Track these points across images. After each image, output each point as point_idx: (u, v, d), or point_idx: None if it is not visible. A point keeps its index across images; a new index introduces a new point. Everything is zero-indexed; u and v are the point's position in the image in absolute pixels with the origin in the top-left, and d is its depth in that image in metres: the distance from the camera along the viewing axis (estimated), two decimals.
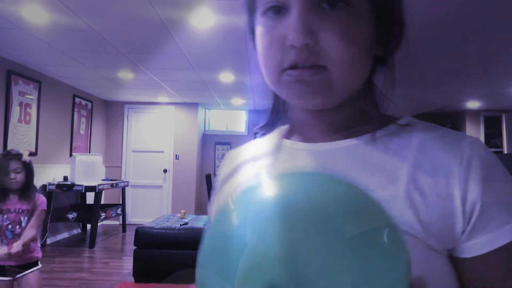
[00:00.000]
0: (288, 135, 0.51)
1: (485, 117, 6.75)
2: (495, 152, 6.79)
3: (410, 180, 0.40)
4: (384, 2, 0.43)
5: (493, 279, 0.40)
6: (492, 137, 6.73)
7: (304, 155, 0.46)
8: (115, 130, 6.78)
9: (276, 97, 0.52)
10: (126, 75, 4.75)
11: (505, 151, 5.98)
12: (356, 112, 0.48)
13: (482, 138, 6.78)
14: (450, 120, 7.12)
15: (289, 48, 0.40)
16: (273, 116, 0.54)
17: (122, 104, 6.79)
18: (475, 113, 6.79)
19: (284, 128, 0.53)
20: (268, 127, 0.54)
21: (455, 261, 0.41)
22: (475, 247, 0.39)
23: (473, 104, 6.26)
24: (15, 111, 4.29)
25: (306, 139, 0.48)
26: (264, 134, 0.54)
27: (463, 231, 0.39)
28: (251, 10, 0.47)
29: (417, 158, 0.41)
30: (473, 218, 0.38)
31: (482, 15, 2.37)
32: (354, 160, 0.43)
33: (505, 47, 3.04)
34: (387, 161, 0.42)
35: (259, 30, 0.44)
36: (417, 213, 0.38)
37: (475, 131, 6.83)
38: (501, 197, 0.39)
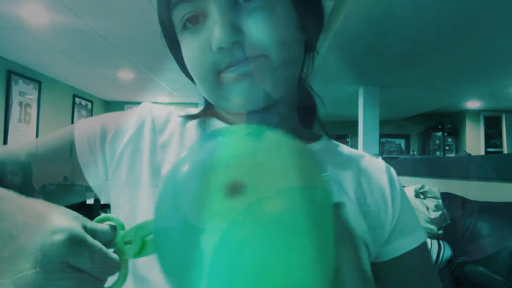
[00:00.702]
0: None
1: (485, 117, 6.75)
2: (495, 152, 6.82)
3: (357, 191, 0.45)
4: None
5: (403, 279, 0.45)
6: (492, 137, 6.73)
7: None
8: None
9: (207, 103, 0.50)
10: (126, 75, 4.75)
11: (505, 151, 5.98)
12: (289, 113, 0.47)
13: (482, 138, 6.78)
14: (450, 120, 7.12)
15: (219, 51, 0.38)
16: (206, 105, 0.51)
17: (122, 104, 6.79)
18: (475, 113, 6.79)
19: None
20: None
21: (374, 268, 0.45)
22: (393, 250, 0.45)
23: (473, 104, 6.25)
24: (15, 111, 4.29)
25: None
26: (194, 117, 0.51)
27: (388, 236, 0.45)
28: (170, 30, 0.45)
29: (357, 172, 0.47)
30: (393, 225, 0.45)
31: (482, 15, 2.37)
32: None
33: (505, 47, 3.03)
34: (336, 174, 0.46)
35: (183, 46, 0.42)
36: (366, 221, 0.43)
37: (475, 131, 6.83)
38: (410, 210, 0.47)
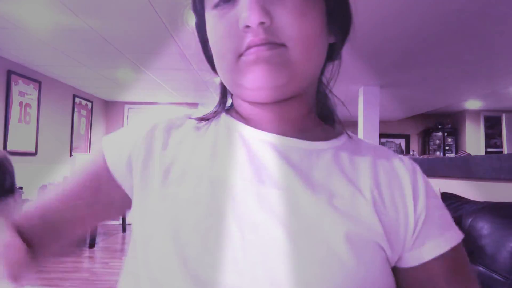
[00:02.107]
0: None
1: (485, 117, 6.75)
2: (495, 152, 6.82)
3: (374, 191, 0.42)
4: None
5: (435, 286, 0.41)
6: (492, 137, 6.73)
7: (265, 146, 0.43)
8: (115, 130, 6.77)
9: (224, 91, 0.51)
10: (126, 75, 4.75)
11: (505, 151, 5.98)
12: (306, 110, 0.47)
13: (482, 138, 6.78)
14: (450, 120, 7.12)
15: (244, 30, 0.38)
16: (220, 106, 0.50)
17: (122, 104, 6.79)
18: (475, 113, 6.79)
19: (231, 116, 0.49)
20: (212, 115, 0.50)
21: (398, 272, 0.42)
22: (419, 255, 0.41)
23: (473, 104, 6.25)
24: (15, 111, 4.29)
25: (261, 127, 0.45)
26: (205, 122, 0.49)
27: (410, 240, 0.41)
28: (200, 9, 0.45)
29: (376, 171, 0.44)
30: (418, 228, 0.41)
31: (482, 15, 2.37)
32: (321, 164, 0.43)
33: (505, 47, 3.04)
34: (352, 172, 0.43)
35: (210, 23, 0.42)
36: (382, 224, 0.40)
37: (475, 131, 6.83)
38: (438, 210, 0.43)
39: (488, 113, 6.73)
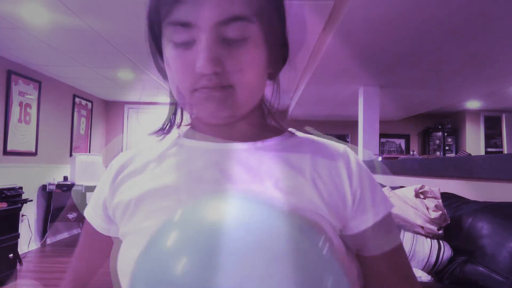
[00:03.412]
0: (190, 137, 0.57)
1: (485, 117, 6.75)
2: (495, 152, 6.82)
3: (313, 172, 0.51)
4: (274, 33, 0.51)
5: (372, 248, 0.52)
6: (492, 137, 6.73)
7: (211, 153, 0.53)
8: (115, 130, 6.78)
9: (173, 101, 0.58)
10: (126, 75, 4.75)
11: (505, 151, 5.98)
12: (254, 122, 0.56)
13: (482, 138, 6.78)
14: (450, 120, 7.12)
15: (199, 74, 0.46)
16: (171, 118, 0.59)
17: (122, 104, 6.79)
18: (475, 113, 6.79)
19: (183, 129, 0.60)
20: (166, 130, 0.59)
21: (346, 238, 0.52)
22: (360, 223, 0.51)
23: (473, 104, 6.25)
24: (15, 111, 4.29)
25: (210, 139, 0.55)
26: (163, 134, 0.59)
27: (350, 211, 0.51)
28: (157, 34, 0.52)
29: (314, 157, 0.53)
30: (356, 201, 0.51)
31: (482, 15, 2.37)
32: (266, 158, 0.52)
33: (505, 47, 3.04)
34: (293, 159, 0.52)
35: (168, 55, 0.49)
36: (322, 198, 0.49)
37: (475, 131, 6.83)
38: (371, 186, 0.53)
39: (488, 113, 6.73)
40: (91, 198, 0.60)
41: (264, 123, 0.58)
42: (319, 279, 0.36)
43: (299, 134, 0.59)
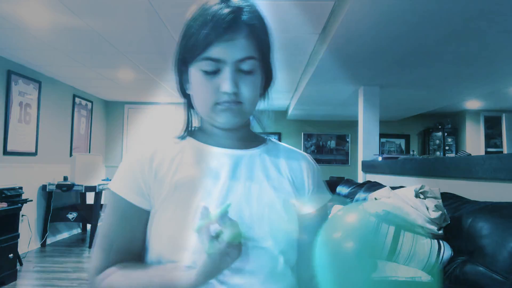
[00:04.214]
0: (203, 141, 0.78)
1: (485, 117, 6.75)
2: (495, 152, 6.81)
3: (289, 171, 0.78)
4: (268, 67, 0.76)
5: (314, 224, 0.73)
6: (492, 137, 6.73)
7: (222, 156, 0.75)
8: (115, 130, 6.78)
9: (189, 113, 0.80)
10: (126, 75, 4.75)
11: (505, 151, 5.98)
12: (248, 131, 0.81)
13: (482, 138, 6.78)
14: (450, 120, 7.12)
15: (223, 92, 0.68)
16: (188, 124, 0.80)
17: (122, 104, 6.79)
18: (475, 113, 6.79)
19: (195, 133, 0.80)
20: (186, 133, 0.79)
21: (301, 218, 0.76)
22: (309, 207, 0.77)
23: (473, 104, 6.25)
24: (15, 111, 4.29)
25: (220, 145, 0.76)
26: (185, 137, 0.79)
27: (306, 198, 0.78)
28: (186, 65, 0.72)
29: (288, 161, 0.80)
30: (309, 194, 0.78)
31: (482, 15, 2.37)
32: (259, 162, 0.77)
33: (505, 47, 3.04)
34: (275, 163, 0.78)
35: (197, 78, 0.70)
36: (294, 188, 0.77)
37: (475, 131, 6.83)
38: (320, 183, 0.81)
39: (488, 113, 6.73)
40: (118, 178, 0.75)
41: (253, 133, 0.82)
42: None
43: (275, 141, 0.84)
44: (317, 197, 0.79)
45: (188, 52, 0.70)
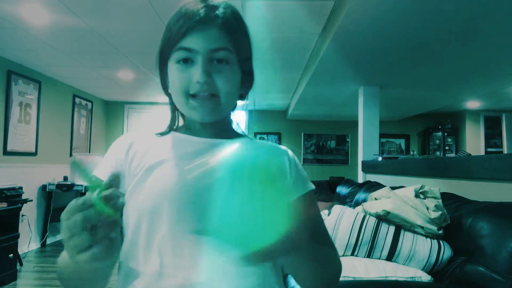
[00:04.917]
0: (183, 132, 0.79)
1: (485, 117, 6.75)
2: (495, 152, 6.81)
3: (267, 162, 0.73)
4: (245, 62, 0.74)
5: (300, 212, 0.74)
6: (492, 137, 6.73)
7: (200, 144, 0.75)
8: (115, 130, 6.78)
9: (174, 112, 0.82)
10: (126, 75, 4.75)
11: (505, 151, 5.98)
12: (226, 126, 0.80)
13: (482, 138, 6.78)
14: (450, 120, 7.12)
15: (196, 83, 0.68)
16: (172, 122, 0.82)
17: (122, 104, 6.79)
18: (475, 113, 6.79)
19: (179, 129, 0.82)
20: (168, 130, 0.82)
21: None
22: (294, 194, 0.75)
23: (473, 104, 6.26)
24: (15, 111, 4.29)
25: (200, 136, 0.77)
26: (167, 133, 0.80)
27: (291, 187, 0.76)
28: (165, 58, 0.73)
29: (267, 154, 0.74)
30: (291, 181, 0.75)
31: (482, 15, 2.37)
32: (235, 151, 0.73)
33: (505, 47, 3.04)
34: (251, 156, 0.74)
35: (173, 71, 0.71)
36: (275, 180, 0.71)
37: (475, 131, 6.83)
38: (301, 174, 0.78)
39: (488, 113, 6.73)
40: (98, 165, 0.76)
41: (232, 129, 0.82)
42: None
43: (253, 139, 0.84)
44: (298, 185, 0.78)
45: (165, 47, 0.72)
